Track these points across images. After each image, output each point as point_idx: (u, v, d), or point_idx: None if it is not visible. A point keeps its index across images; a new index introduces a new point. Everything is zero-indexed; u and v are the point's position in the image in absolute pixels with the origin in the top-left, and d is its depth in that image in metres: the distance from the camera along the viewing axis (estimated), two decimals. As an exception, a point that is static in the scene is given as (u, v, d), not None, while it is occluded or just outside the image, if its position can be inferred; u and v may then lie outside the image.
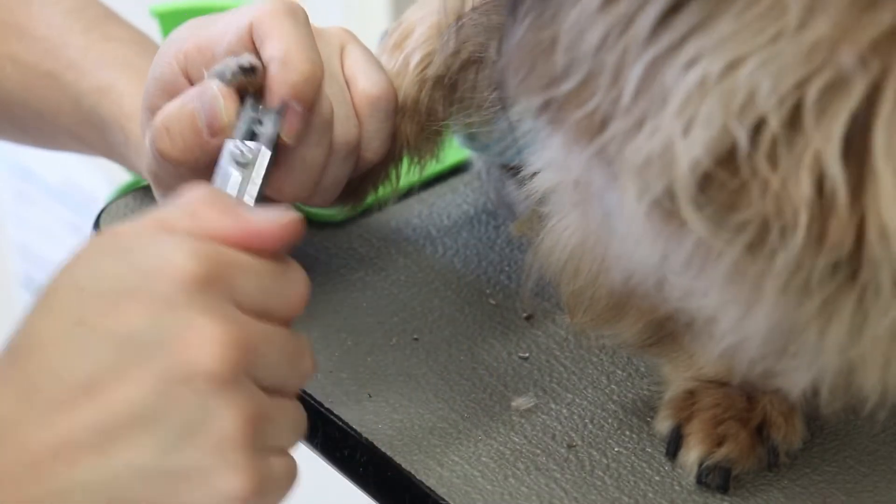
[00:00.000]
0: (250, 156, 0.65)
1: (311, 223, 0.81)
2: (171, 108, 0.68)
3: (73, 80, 0.78)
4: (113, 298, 0.54)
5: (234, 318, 0.54)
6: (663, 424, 0.67)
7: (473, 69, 0.69)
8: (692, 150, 0.50)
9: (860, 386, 0.56)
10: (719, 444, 0.65)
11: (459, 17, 0.67)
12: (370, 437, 0.67)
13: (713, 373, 0.68)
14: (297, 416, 0.58)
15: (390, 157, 0.74)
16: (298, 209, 0.81)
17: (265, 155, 0.65)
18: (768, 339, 0.56)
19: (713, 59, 0.49)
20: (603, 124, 0.53)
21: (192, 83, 0.69)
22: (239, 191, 0.64)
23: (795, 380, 0.58)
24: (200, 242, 0.55)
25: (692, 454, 0.66)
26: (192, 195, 0.57)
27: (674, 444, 0.66)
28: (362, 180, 0.75)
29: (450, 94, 0.71)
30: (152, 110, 0.70)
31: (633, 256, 0.57)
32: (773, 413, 0.67)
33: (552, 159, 0.60)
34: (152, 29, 0.85)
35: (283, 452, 0.56)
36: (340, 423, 0.68)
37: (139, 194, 0.82)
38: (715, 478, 0.65)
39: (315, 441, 0.69)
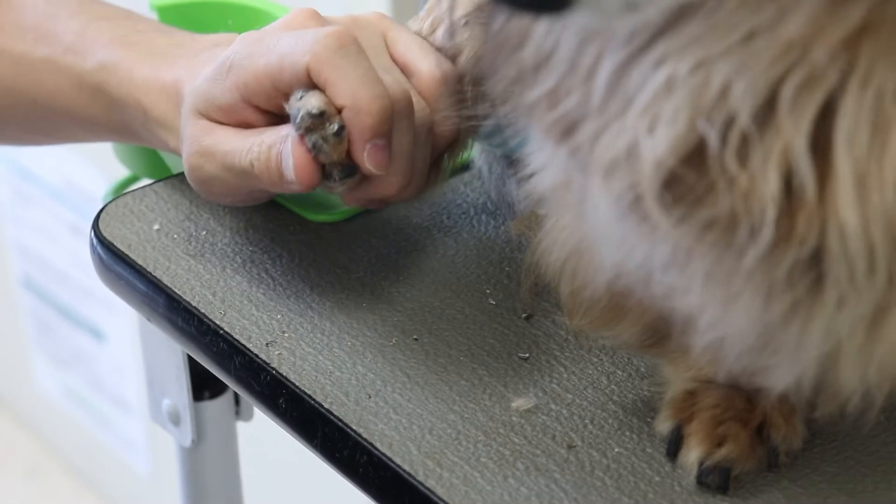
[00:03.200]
0: None
1: (311, 224, 0.81)
2: (274, 138, 0.71)
3: (72, 62, 0.79)
4: None
5: None
6: (663, 425, 0.67)
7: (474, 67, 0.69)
8: (656, 149, 0.51)
9: (842, 386, 0.56)
10: (719, 444, 0.65)
11: (454, 22, 0.68)
12: (370, 437, 0.67)
13: (713, 373, 0.68)
14: None
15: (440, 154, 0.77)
16: (295, 211, 0.81)
17: None
18: (748, 335, 0.56)
19: (681, 59, 0.50)
20: (574, 126, 0.53)
21: (257, 109, 0.72)
22: None
23: (777, 377, 0.58)
24: None
25: (692, 454, 0.65)
26: None
27: (674, 445, 0.66)
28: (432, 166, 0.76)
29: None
30: (206, 118, 0.73)
31: (616, 257, 0.57)
32: (774, 413, 0.67)
33: (547, 159, 0.60)
34: (152, 28, 0.85)
35: None
36: (340, 423, 0.68)
37: (139, 194, 0.82)
38: (715, 478, 0.65)
39: (315, 441, 0.69)
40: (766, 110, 0.50)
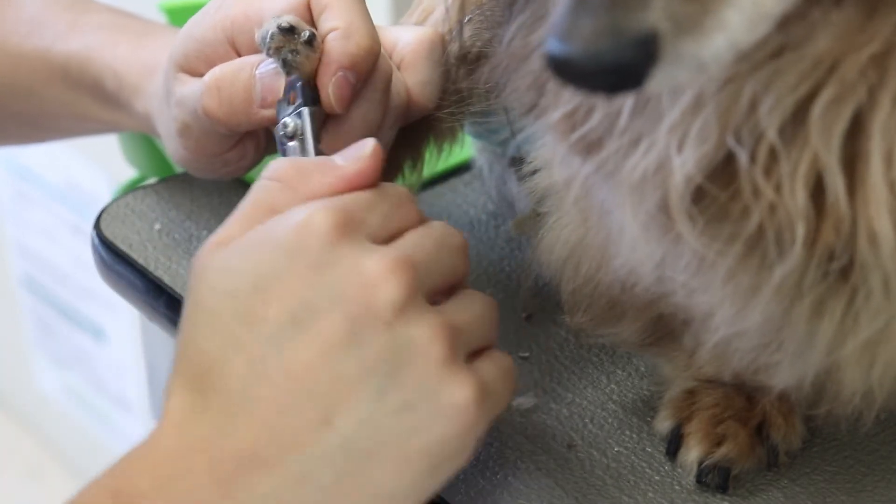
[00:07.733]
0: (294, 126, 0.66)
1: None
2: (226, 70, 0.68)
3: (61, 49, 0.80)
4: (268, 284, 0.56)
5: (383, 249, 0.57)
6: (663, 424, 0.67)
7: (480, 65, 0.69)
8: (686, 166, 0.51)
9: (844, 385, 0.56)
10: (719, 443, 0.66)
11: (461, 19, 0.67)
12: (370, 437, 0.67)
13: (713, 372, 0.68)
14: (481, 305, 0.60)
15: (420, 136, 0.75)
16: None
17: (307, 120, 0.66)
18: (759, 333, 0.56)
19: (710, 76, 0.50)
20: (599, 142, 0.54)
21: (237, 52, 0.69)
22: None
23: (780, 375, 0.58)
24: (318, 201, 0.57)
25: (692, 454, 0.66)
26: (278, 173, 0.60)
27: (674, 444, 0.67)
28: (396, 150, 0.74)
29: (471, 73, 0.71)
30: (185, 69, 0.71)
31: (631, 258, 0.57)
32: (773, 413, 0.67)
33: (551, 157, 0.60)
34: (157, 27, 0.85)
35: (488, 352, 0.60)
36: (340, 423, 0.68)
37: (140, 194, 0.82)
38: (714, 477, 0.65)
39: (315, 440, 0.69)
40: (795, 126, 0.50)
